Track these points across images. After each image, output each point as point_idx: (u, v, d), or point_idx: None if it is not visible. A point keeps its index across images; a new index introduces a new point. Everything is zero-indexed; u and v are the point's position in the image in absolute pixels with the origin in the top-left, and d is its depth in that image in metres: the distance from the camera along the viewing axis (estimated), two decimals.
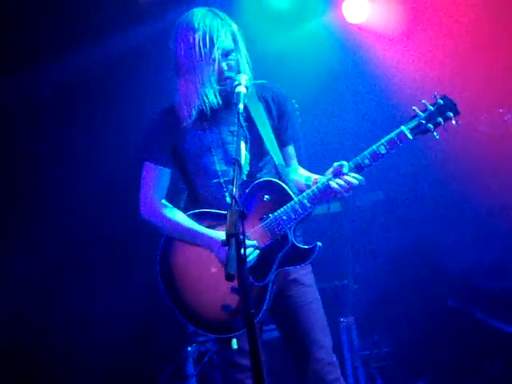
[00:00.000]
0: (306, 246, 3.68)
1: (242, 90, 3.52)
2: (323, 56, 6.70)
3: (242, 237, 2.87)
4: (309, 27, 6.78)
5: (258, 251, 3.64)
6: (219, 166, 3.76)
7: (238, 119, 3.32)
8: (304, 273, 3.84)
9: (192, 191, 3.88)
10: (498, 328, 6.13)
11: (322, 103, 6.69)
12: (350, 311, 6.22)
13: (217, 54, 3.67)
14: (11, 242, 6.25)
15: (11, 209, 6.35)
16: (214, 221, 3.72)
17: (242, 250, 3.24)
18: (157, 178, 3.84)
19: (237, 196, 2.92)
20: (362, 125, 6.72)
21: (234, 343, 3.64)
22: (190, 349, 5.99)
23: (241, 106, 3.41)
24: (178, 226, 3.75)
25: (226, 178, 3.74)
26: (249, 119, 3.78)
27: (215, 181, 3.77)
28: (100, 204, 6.45)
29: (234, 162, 3.08)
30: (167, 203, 3.84)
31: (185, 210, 3.81)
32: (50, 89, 6.53)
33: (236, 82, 3.58)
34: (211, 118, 3.78)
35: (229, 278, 2.77)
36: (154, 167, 3.84)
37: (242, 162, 3.17)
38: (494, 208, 6.32)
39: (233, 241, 2.83)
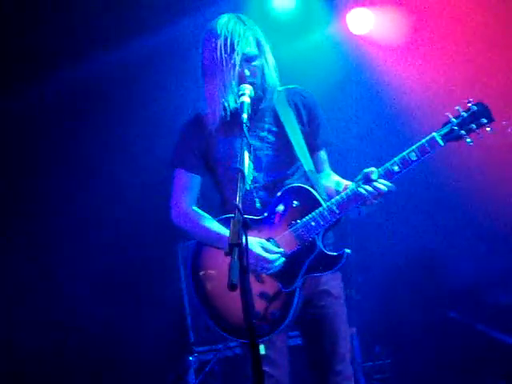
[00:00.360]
0: (334, 253, 3.65)
1: (245, 99, 3.50)
2: (327, 66, 6.74)
3: (244, 246, 2.85)
4: (313, 38, 6.83)
5: (283, 258, 3.61)
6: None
7: (242, 129, 3.29)
8: (335, 284, 3.82)
9: (222, 197, 3.87)
10: (500, 340, 6.16)
11: (326, 113, 6.66)
12: (352, 322, 6.19)
13: (237, 58, 3.63)
14: (11, 242, 6.25)
15: (11, 209, 6.35)
16: None
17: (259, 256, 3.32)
18: (188, 185, 3.83)
19: (240, 205, 2.90)
20: (366, 135, 6.76)
21: (262, 349, 3.60)
22: (191, 358, 5.96)
23: (245, 116, 3.38)
24: (207, 231, 3.72)
25: (255, 184, 3.71)
26: (278, 125, 3.77)
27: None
28: (100, 204, 6.47)
29: (238, 171, 3.07)
30: (198, 209, 3.83)
31: (215, 216, 3.78)
32: (51, 92, 6.50)
33: (240, 92, 3.56)
34: (238, 124, 3.73)
35: (231, 287, 2.74)
36: (185, 174, 3.83)
37: (246, 171, 3.13)
38: (496, 219, 6.35)
39: (236, 250, 2.81)
